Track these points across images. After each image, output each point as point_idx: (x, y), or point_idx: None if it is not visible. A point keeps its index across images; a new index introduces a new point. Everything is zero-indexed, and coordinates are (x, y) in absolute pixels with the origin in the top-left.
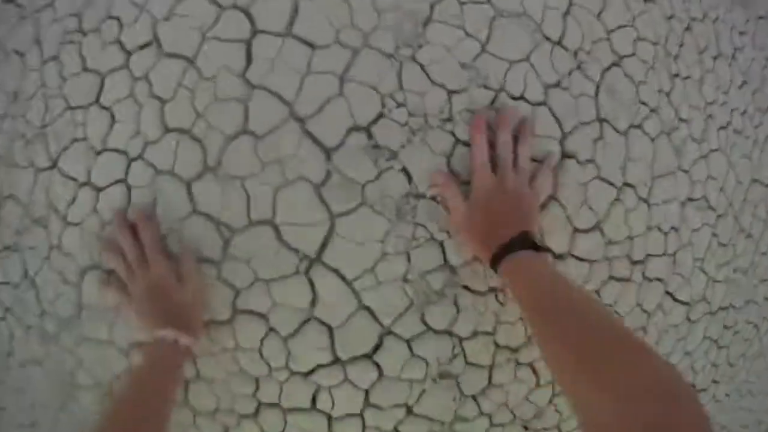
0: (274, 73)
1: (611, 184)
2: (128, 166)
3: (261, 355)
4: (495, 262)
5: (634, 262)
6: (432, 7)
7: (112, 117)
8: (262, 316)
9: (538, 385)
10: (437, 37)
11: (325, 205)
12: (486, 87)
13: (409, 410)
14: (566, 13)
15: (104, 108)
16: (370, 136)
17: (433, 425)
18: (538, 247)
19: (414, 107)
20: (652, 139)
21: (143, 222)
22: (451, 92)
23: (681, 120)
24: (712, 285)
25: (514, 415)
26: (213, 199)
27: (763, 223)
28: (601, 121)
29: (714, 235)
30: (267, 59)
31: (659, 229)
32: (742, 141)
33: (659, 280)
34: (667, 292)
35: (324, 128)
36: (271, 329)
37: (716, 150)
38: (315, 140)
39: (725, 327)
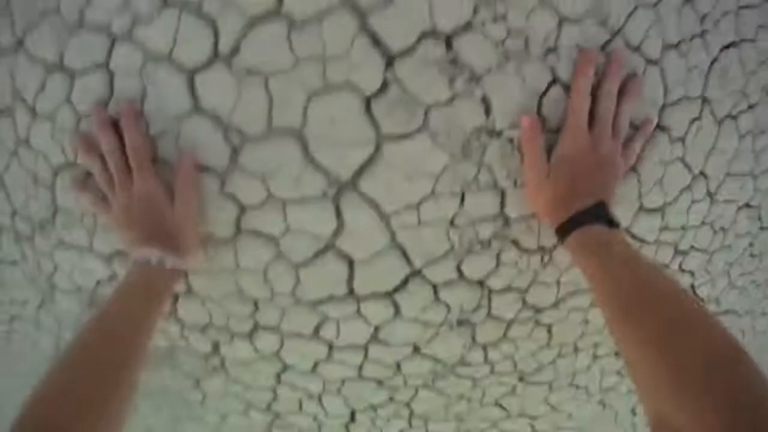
0: None
1: (689, 169)
2: (111, 48)
3: (264, 278)
4: (563, 230)
5: (678, 252)
6: None
7: None
8: (272, 239)
9: (548, 345)
10: None
11: (374, 123)
12: (604, 25)
13: (416, 349)
14: None
15: None
16: (449, 47)
17: (436, 365)
18: (611, 221)
19: (515, 25)
20: (741, 136)
21: (129, 119)
22: (563, 19)
23: None
24: (729, 289)
25: (516, 367)
26: (222, 96)
27: None
28: (704, 101)
29: (751, 245)
30: None
31: (711, 226)
32: None
33: (691, 273)
34: (691, 285)
35: (390, 24)
36: (281, 254)
37: None
38: (375, 39)
39: None
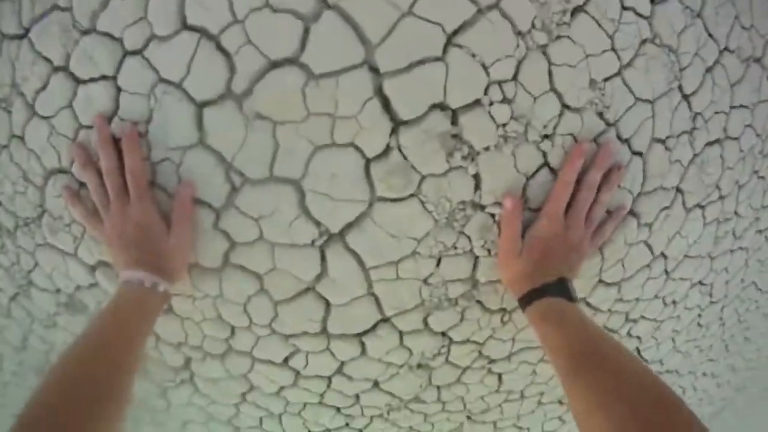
0: None
1: (651, 251)
2: (121, 61)
3: (245, 309)
4: (525, 299)
5: (628, 320)
6: None
7: None
8: (257, 276)
9: (497, 390)
10: (581, 35)
11: (370, 184)
12: (602, 116)
13: (376, 384)
14: (710, 68)
15: None
16: (455, 122)
17: (393, 399)
18: (570, 296)
19: (520, 109)
20: (705, 224)
21: (132, 142)
22: (565, 107)
23: (736, 214)
24: (673, 353)
25: (465, 407)
26: (229, 135)
27: (738, 317)
28: (677, 192)
29: (699, 315)
30: None
31: (663, 299)
32: (767, 247)
33: (638, 338)
34: (637, 349)
35: (403, 93)
36: (263, 290)
37: (744, 249)
38: (386, 105)
39: None
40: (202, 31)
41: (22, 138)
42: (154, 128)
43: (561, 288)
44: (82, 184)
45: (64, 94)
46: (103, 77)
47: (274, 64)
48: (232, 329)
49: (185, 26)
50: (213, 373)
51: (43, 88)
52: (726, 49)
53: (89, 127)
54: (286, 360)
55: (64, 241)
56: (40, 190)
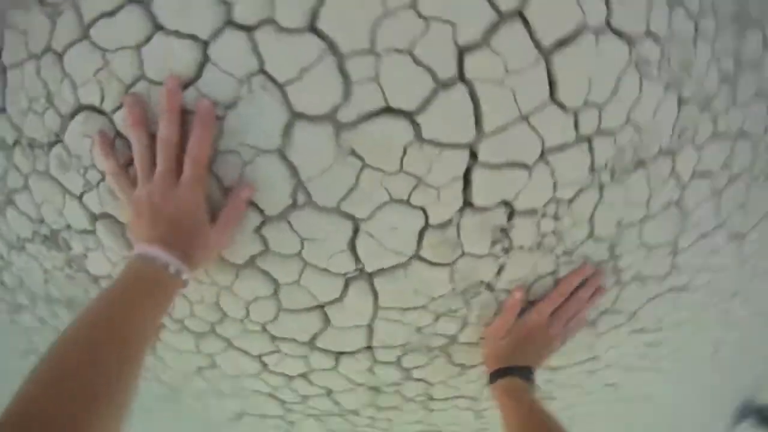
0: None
1: (592, 353)
2: (222, 28)
3: (246, 305)
4: (496, 374)
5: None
6: (658, 154)
7: None
8: (274, 282)
9: (421, 422)
10: (632, 186)
11: (419, 245)
12: (611, 250)
13: (329, 392)
14: (704, 234)
15: None
16: (510, 219)
17: (335, 407)
18: (531, 380)
19: (562, 227)
20: (635, 345)
21: (207, 122)
22: (591, 236)
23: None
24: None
25: (390, 428)
26: (314, 157)
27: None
28: (631, 317)
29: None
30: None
31: (579, 390)
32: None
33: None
34: None
35: (486, 184)
36: (275, 297)
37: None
38: (466, 186)
39: None
40: (330, 43)
41: (60, 56)
42: (235, 117)
43: (527, 373)
44: (119, 135)
45: (136, 34)
46: (194, 37)
47: (390, 111)
48: (223, 316)
49: (313, 29)
50: (182, 345)
51: (110, 15)
52: (721, 225)
53: (154, 83)
54: (261, 355)
55: (73, 182)
56: (62, 119)
